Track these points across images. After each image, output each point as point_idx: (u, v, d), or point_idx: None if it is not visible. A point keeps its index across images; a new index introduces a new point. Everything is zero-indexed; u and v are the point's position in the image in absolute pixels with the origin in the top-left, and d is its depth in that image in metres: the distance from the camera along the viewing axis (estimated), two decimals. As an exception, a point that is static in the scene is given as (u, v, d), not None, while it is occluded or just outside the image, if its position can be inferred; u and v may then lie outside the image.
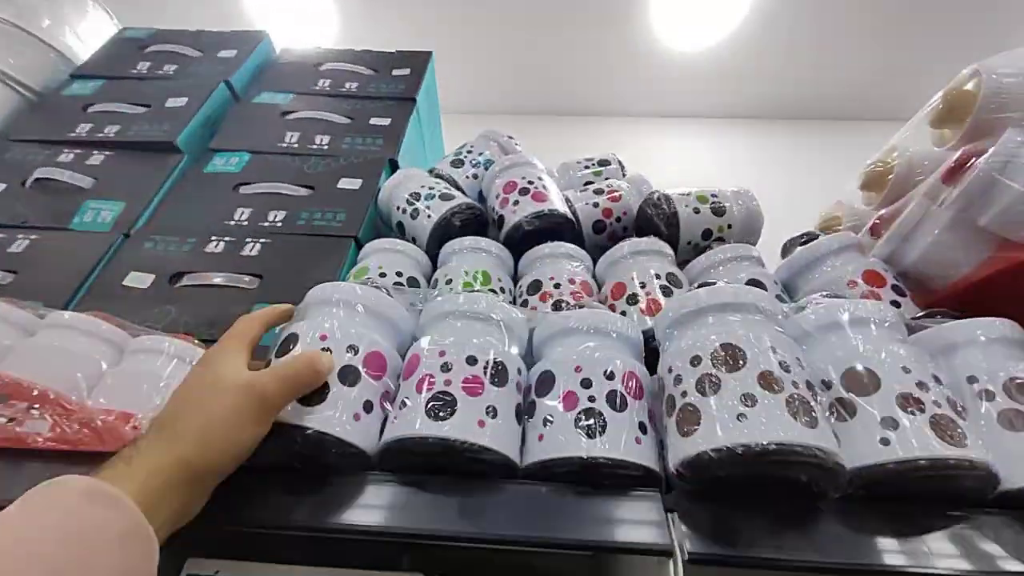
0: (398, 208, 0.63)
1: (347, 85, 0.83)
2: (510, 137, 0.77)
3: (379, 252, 0.57)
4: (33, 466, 0.33)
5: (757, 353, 0.31)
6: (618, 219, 0.67)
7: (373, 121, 0.77)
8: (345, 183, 0.67)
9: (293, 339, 0.36)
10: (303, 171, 0.69)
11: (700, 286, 0.38)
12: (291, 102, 0.79)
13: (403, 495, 0.31)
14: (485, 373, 0.34)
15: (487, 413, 0.33)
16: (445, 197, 0.62)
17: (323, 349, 0.34)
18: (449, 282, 0.53)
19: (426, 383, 0.33)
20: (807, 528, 0.28)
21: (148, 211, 0.64)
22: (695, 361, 0.32)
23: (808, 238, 0.55)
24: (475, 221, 0.63)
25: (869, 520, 0.28)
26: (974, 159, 0.42)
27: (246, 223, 0.63)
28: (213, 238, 0.60)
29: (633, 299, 0.50)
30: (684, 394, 0.31)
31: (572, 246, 0.58)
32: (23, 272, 0.57)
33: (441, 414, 0.32)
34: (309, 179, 0.68)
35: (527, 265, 0.57)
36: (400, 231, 0.64)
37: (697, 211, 0.60)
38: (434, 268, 0.60)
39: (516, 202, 0.61)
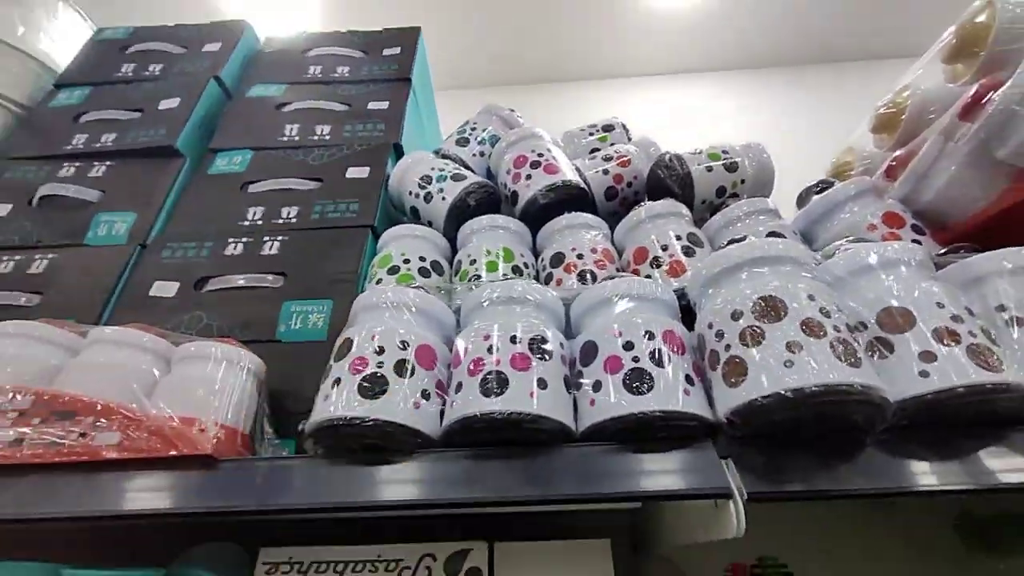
0: (410, 193, 0.64)
1: (339, 70, 0.82)
2: (512, 110, 0.76)
3: (399, 239, 0.58)
4: (107, 477, 0.35)
5: (796, 303, 0.32)
6: (629, 184, 0.67)
7: (371, 106, 0.76)
8: (353, 172, 0.67)
9: (348, 343, 0.37)
10: (308, 163, 0.69)
11: (730, 243, 0.39)
12: (285, 93, 0.78)
13: (469, 468, 0.33)
14: (530, 349, 0.36)
15: (538, 385, 0.34)
16: (457, 178, 0.62)
17: (376, 349, 0.36)
18: (473, 262, 0.54)
19: (477, 366, 0.35)
20: (856, 460, 0.30)
21: (160, 219, 0.65)
22: (736, 316, 0.33)
23: (823, 186, 0.56)
24: (488, 199, 0.63)
25: (914, 448, 0.30)
26: (991, 93, 0.42)
27: (260, 222, 0.63)
28: (230, 240, 0.61)
29: (656, 262, 0.51)
30: (728, 347, 0.33)
31: (589, 215, 0.59)
32: (48, 293, 0.58)
33: (495, 391, 0.33)
34: (316, 171, 0.68)
35: (546, 238, 0.58)
36: (415, 216, 0.65)
37: (710, 169, 0.61)
38: (453, 250, 0.61)
39: (528, 176, 0.61)
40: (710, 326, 0.35)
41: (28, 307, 0.57)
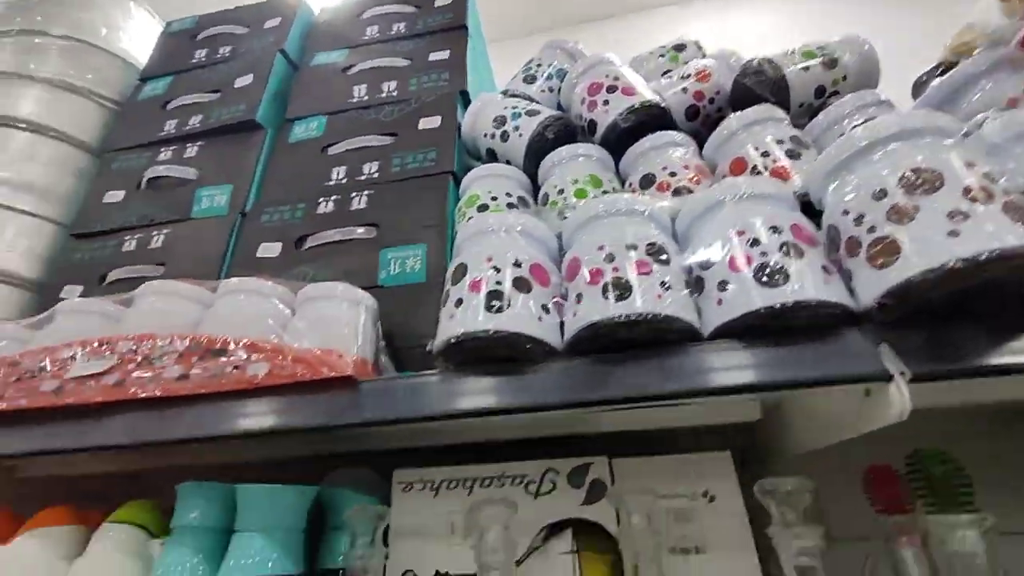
0: (485, 135, 0.64)
1: (395, 27, 0.82)
2: (576, 43, 0.73)
3: (482, 179, 0.58)
4: (261, 401, 0.38)
5: (953, 170, 0.29)
6: (711, 100, 0.63)
7: (432, 57, 0.76)
8: (425, 123, 0.68)
9: (462, 268, 0.38)
10: (380, 120, 0.70)
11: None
12: (347, 57, 0.79)
13: (604, 370, 0.33)
14: (648, 255, 0.35)
15: (662, 287, 0.34)
16: (531, 113, 0.61)
17: (494, 268, 0.36)
18: (560, 192, 0.54)
19: (596, 275, 0.35)
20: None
21: (253, 188, 0.69)
22: (879, 195, 0.31)
23: (944, 68, 0.50)
24: (565, 132, 0.62)
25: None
26: None
27: (344, 180, 0.66)
28: (320, 200, 0.64)
29: (756, 171, 0.48)
30: (872, 229, 0.31)
31: (674, 132, 0.56)
32: (170, 263, 0.64)
33: (622, 296, 0.33)
34: (389, 127, 0.69)
35: (631, 162, 0.56)
36: (491, 157, 0.65)
37: (806, 69, 0.56)
38: (534, 186, 0.61)
39: (606, 101, 0.59)
40: (845, 212, 0.33)
41: (155, 278, 0.63)
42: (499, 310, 0.34)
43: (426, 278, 0.54)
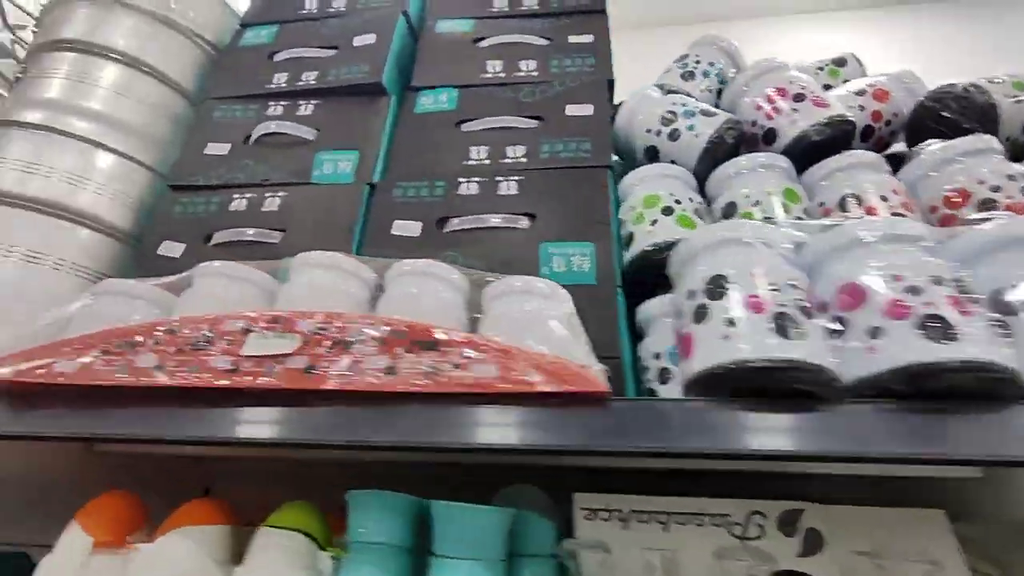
0: (648, 131, 0.59)
1: (526, 3, 0.76)
2: (734, 42, 0.69)
3: (658, 179, 0.54)
4: (487, 411, 0.33)
5: None
6: (887, 122, 0.60)
7: (572, 39, 0.70)
8: (573, 110, 0.63)
9: (720, 280, 0.34)
10: (519, 101, 0.65)
11: None
12: (476, 28, 0.73)
13: (928, 423, 0.29)
14: (960, 292, 0.31)
15: (991, 331, 0.30)
16: (708, 113, 0.57)
17: (771, 288, 0.32)
18: (757, 204, 0.49)
19: (902, 309, 0.31)
20: None
21: (380, 158, 0.63)
22: None
23: None
24: (739, 138, 0.58)
25: None
26: None
27: (487, 162, 0.61)
28: (461, 180, 0.58)
29: (989, 204, 0.45)
30: None
31: (873, 154, 0.52)
32: (289, 229, 0.58)
33: (948, 337, 0.29)
34: (530, 109, 0.64)
35: (823, 178, 0.52)
36: (649, 156, 0.60)
37: (1019, 101, 0.53)
38: (700, 192, 0.56)
39: (795, 110, 0.55)
40: None
41: (274, 243, 0.57)
42: (799, 336, 0.30)
43: (596, 280, 0.49)
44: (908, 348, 0.30)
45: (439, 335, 0.35)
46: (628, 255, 0.52)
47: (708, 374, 0.32)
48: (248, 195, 0.61)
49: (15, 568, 0.49)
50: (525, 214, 0.55)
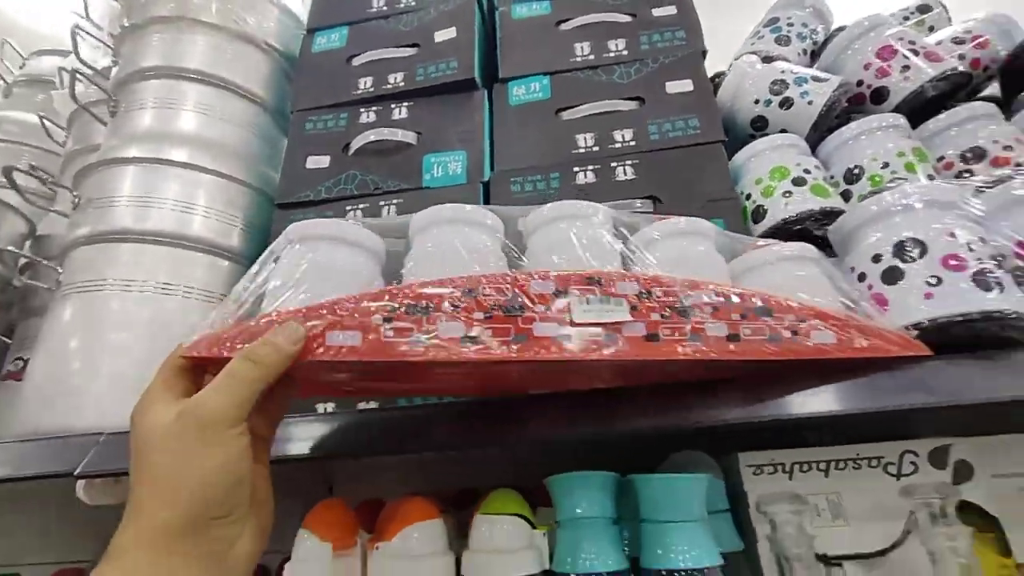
0: (757, 101, 0.62)
1: (598, -22, 0.78)
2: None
3: (781, 149, 0.57)
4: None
5: None
6: (985, 68, 0.63)
7: (656, 12, 0.72)
8: (673, 87, 0.65)
9: (914, 242, 0.38)
10: (615, 83, 0.68)
11: None
12: (554, 10, 0.75)
13: None
14: None
15: None
16: (819, 79, 0.60)
17: (966, 246, 0.36)
18: (886, 166, 0.53)
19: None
20: None
21: (487, 154, 0.66)
22: None
23: None
24: (849, 100, 0.61)
25: None
26: None
27: (596, 148, 0.63)
28: (576, 169, 0.62)
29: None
30: None
31: (990, 105, 0.55)
32: (416, 236, 0.61)
33: None
34: (628, 90, 0.67)
35: (940, 132, 0.56)
36: (758, 126, 0.63)
37: None
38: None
39: (906, 67, 0.58)
40: None
41: (399, 252, 0.61)
42: (999, 288, 0.34)
43: (732, 256, 0.53)
44: None
45: (771, 302, 0.37)
46: (760, 228, 0.55)
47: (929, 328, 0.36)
48: (362, 206, 0.64)
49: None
50: (647, 198, 0.58)
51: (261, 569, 0.55)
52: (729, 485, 0.50)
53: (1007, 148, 0.51)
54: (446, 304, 0.34)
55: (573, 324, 0.34)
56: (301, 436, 0.45)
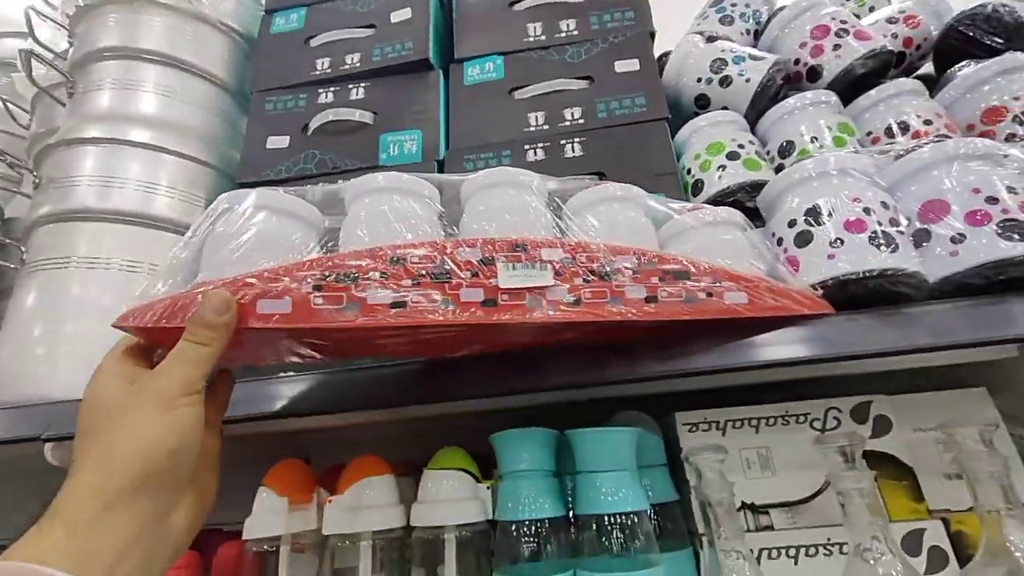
0: (699, 80, 0.64)
1: (551, -41, 0.79)
2: (763, -20, 0.73)
3: (719, 126, 0.60)
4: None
5: None
6: (918, 47, 0.66)
7: (608, -7, 0.74)
8: (622, 66, 0.67)
9: (816, 210, 0.40)
10: (566, 62, 0.69)
11: None
12: (508, -10, 0.76)
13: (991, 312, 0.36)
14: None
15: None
16: (755, 58, 0.62)
17: (862, 209, 0.39)
18: (814, 140, 0.55)
19: (982, 216, 0.38)
20: None
21: (442, 134, 0.67)
22: None
23: None
24: (784, 78, 0.63)
25: None
26: None
27: (546, 127, 0.65)
28: (527, 147, 0.64)
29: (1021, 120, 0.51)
30: None
31: (915, 81, 0.58)
32: (373, 212, 0.63)
33: (1014, 235, 0.37)
34: (579, 70, 0.68)
35: (869, 108, 0.58)
36: (701, 104, 0.65)
37: (1045, 16, 0.58)
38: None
39: (837, 46, 0.60)
40: None
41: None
42: (895, 248, 0.37)
43: (674, 226, 0.56)
44: (992, 248, 0.37)
45: (688, 266, 0.39)
46: (697, 201, 0.58)
47: (831, 284, 0.39)
48: (322, 184, 0.66)
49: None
50: (594, 174, 0.61)
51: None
52: (669, 443, 0.53)
53: (927, 122, 0.54)
54: (374, 272, 0.35)
55: (499, 289, 0.36)
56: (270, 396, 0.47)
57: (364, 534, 0.43)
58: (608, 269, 0.37)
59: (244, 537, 0.45)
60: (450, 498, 0.44)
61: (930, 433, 0.51)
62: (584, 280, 0.37)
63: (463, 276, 0.36)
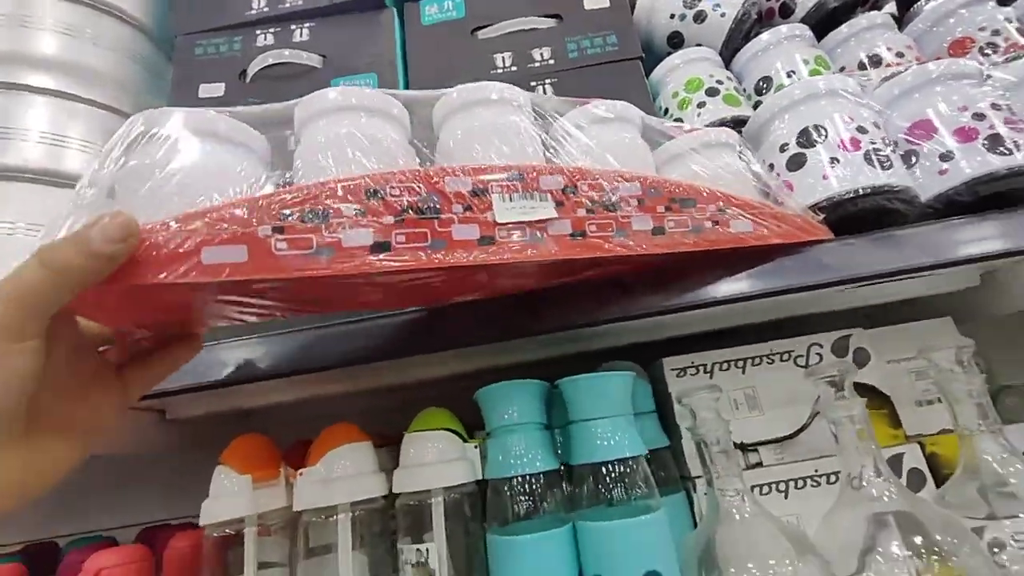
0: (672, 16, 0.61)
1: None
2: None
3: (695, 62, 0.57)
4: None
5: None
6: (884, -16, 0.65)
7: (573, -72, 0.69)
8: (591, 2, 0.63)
9: (808, 132, 0.38)
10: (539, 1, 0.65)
11: None
12: (465, -77, 0.70)
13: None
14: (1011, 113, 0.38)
15: None
16: (728, -9, 0.59)
17: (858, 128, 0.37)
18: (791, 74, 0.54)
19: (971, 133, 0.37)
20: None
21: (400, 77, 0.62)
22: None
23: None
24: (759, 13, 0.61)
25: None
26: None
27: (515, 68, 0.61)
28: (495, 90, 0.59)
29: (990, 49, 0.52)
30: None
31: (884, 14, 0.58)
32: (328, 163, 0.57)
33: (1001, 149, 0.36)
34: (545, 7, 0.64)
35: (841, 42, 0.58)
36: (675, 43, 0.63)
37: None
38: (727, 73, 0.60)
39: (809, -21, 0.59)
40: None
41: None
42: (889, 166, 0.36)
43: (654, 169, 0.53)
44: (983, 163, 0.36)
45: (694, 192, 0.36)
46: (678, 141, 0.55)
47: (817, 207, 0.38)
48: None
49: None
50: (568, 115, 0.57)
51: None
52: (657, 391, 0.51)
53: (899, 55, 0.54)
54: (348, 208, 0.29)
55: (496, 224, 0.31)
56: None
57: (342, 506, 0.39)
58: (613, 198, 0.34)
59: (202, 522, 0.40)
60: (436, 460, 0.41)
61: (903, 364, 0.52)
62: (588, 211, 0.33)
63: (455, 211, 0.31)
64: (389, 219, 0.30)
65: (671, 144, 0.41)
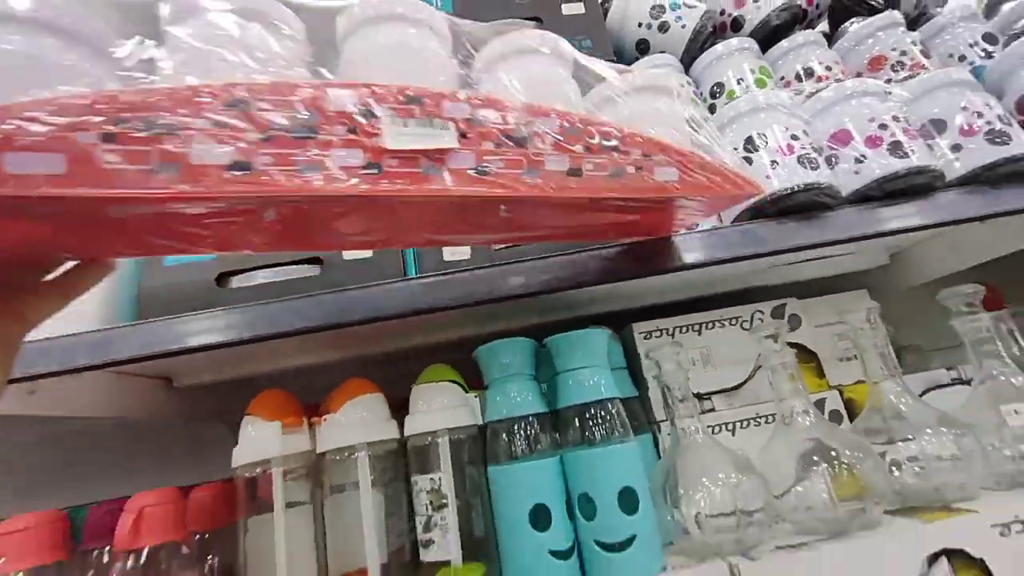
0: (640, 24, 0.69)
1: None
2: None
3: (654, 69, 0.65)
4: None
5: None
6: (817, 5, 0.75)
7: (552, -63, 0.75)
8: (568, 8, 0.70)
9: (757, 137, 0.47)
10: (515, 3, 0.71)
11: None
12: (453, -73, 0.75)
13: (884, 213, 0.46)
14: (908, 125, 0.48)
15: (929, 150, 0.47)
16: (689, 5, 0.68)
17: (791, 136, 0.46)
18: (740, 82, 0.63)
19: (876, 139, 0.47)
20: None
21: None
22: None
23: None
24: (713, 27, 0.70)
25: None
26: None
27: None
28: (484, 84, 0.65)
29: (899, 67, 0.62)
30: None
31: (817, 33, 0.68)
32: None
33: (901, 155, 0.46)
34: (527, 10, 0.70)
35: (781, 56, 0.67)
36: (642, 48, 0.70)
37: (911, -18, 0.70)
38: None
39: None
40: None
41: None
42: (815, 168, 0.45)
43: (626, 158, 0.61)
44: (887, 164, 0.46)
45: (618, 133, 0.32)
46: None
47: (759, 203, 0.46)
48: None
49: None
50: (552, 109, 0.64)
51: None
52: (627, 351, 0.59)
53: (828, 68, 0.64)
54: (201, 120, 0.24)
55: (385, 151, 0.27)
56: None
57: (360, 445, 0.45)
58: (525, 133, 0.30)
59: (234, 464, 0.45)
60: (442, 407, 0.47)
61: (827, 327, 0.63)
62: (496, 145, 0.29)
63: (335, 132, 0.26)
64: (254, 135, 0.25)
65: (603, 86, 0.38)
